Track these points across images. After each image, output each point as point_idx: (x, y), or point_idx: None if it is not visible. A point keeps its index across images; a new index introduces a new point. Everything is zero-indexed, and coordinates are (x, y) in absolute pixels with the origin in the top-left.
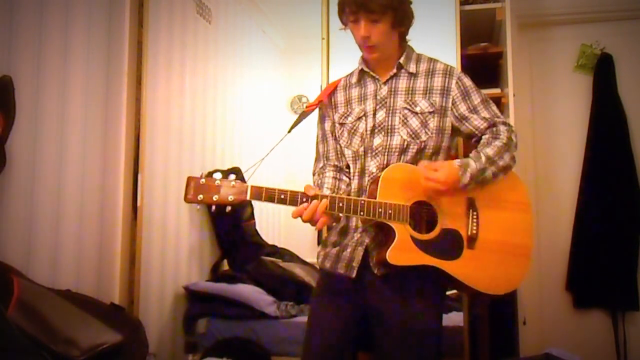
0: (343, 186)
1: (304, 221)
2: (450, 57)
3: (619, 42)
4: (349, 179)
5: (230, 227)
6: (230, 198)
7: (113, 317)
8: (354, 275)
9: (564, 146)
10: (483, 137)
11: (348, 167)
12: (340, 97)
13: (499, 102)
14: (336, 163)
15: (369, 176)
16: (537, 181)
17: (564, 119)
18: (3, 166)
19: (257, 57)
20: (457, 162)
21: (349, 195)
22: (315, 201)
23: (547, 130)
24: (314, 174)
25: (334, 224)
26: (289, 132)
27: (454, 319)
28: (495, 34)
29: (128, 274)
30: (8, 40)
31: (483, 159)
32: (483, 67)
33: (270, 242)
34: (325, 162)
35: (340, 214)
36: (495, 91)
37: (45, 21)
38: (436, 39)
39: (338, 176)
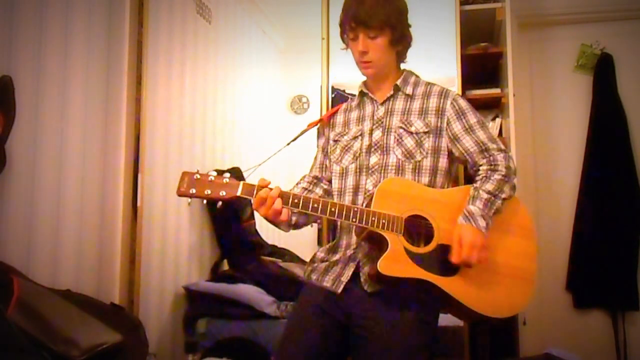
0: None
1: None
2: (450, 57)
3: (619, 42)
4: (324, 192)
5: (230, 227)
6: (222, 193)
7: (113, 317)
8: (339, 290)
9: (564, 146)
10: (480, 168)
11: (330, 182)
12: (339, 118)
13: (499, 102)
14: (316, 174)
15: (364, 193)
16: (537, 181)
17: (564, 119)
18: (3, 166)
19: (257, 57)
20: (460, 219)
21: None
22: (265, 189)
23: (547, 130)
24: None
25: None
26: (288, 145)
27: (454, 319)
28: (495, 34)
29: (128, 274)
30: (8, 40)
31: (484, 195)
32: (483, 67)
33: (270, 242)
34: (308, 174)
35: (328, 216)
36: (495, 91)
37: (45, 21)
38: (436, 39)
39: (310, 188)
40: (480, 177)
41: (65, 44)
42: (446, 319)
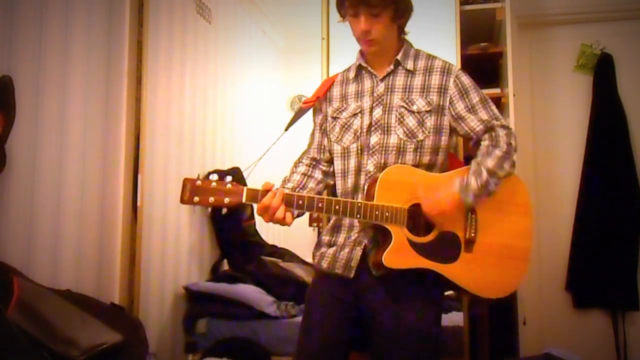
0: (311, 184)
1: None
2: (450, 57)
3: (619, 42)
4: (324, 174)
5: (230, 227)
6: (226, 200)
7: (113, 317)
8: (352, 275)
9: (564, 146)
10: (482, 143)
11: (329, 162)
12: (336, 92)
13: (499, 102)
14: (315, 156)
15: (365, 175)
16: (537, 181)
17: (564, 119)
18: (3, 166)
19: (257, 57)
20: (457, 185)
21: (319, 193)
22: (268, 196)
23: (547, 130)
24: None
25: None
26: (286, 129)
27: (454, 319)
28: (495, 34)
29: (128, 274)
30: (8, 40)
31: (484, 174)
32: (483, 67)
33: (270, 242)
34: (306, 154)
35: (332, 215)
36: (495, 91)
37: (45, 21)
38: (436, 39)
39: (309, 172)
40: (482, 151)
41: (65, 44)
42: (446, 319)
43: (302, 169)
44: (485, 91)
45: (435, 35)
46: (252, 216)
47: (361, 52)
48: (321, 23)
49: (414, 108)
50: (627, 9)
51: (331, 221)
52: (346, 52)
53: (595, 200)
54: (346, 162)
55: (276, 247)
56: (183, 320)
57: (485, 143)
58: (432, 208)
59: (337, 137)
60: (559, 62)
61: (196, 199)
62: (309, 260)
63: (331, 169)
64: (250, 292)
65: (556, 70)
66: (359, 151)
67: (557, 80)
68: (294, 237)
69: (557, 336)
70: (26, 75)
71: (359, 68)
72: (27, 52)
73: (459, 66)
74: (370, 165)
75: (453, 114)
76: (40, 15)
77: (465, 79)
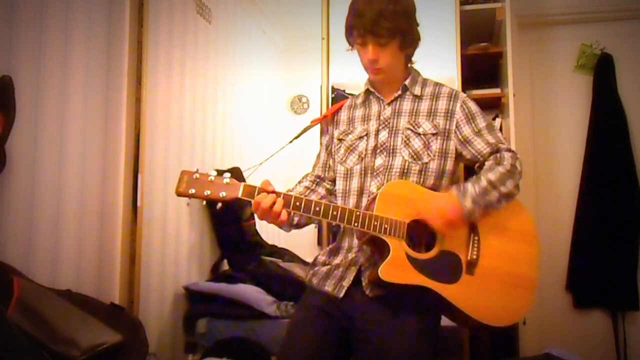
0: (313, 197)
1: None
2: (450, 57)
3: (619, 42)
4: (327, 192)
5: (230, 227)
6: (222, 194)
7: (113, 317)
8: (341, 295)
9: (564, 146)
10: (485, 163)
11: (333, 182)
12: (343, 115)
13: (499, 102)
14: (319, 174)
15: (369, 196)
16: (537, 181)
17: (564, 119)
18: (3, 166)
19: (257, 57)
20: (454, 190)
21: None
22: (262, 194)
23: (547, 130)
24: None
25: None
26: (291, 142)
27: None
28: (495, 34)
29: (128, 274)
30: (8, 40)
31: (484, 182)
32: (483, 67)
33: (270, 242)
34: (311, 173)
35: (329, 220)
36: (495, 91)
37: (45, 21)
38: (436, 39)
39: (313, 187)
40: (484, 167)
41: (65, 44)
42: (446, 319)
43: (306, 183)
44: (485, 91)
45: (435, 35)
46: (252, 216)
47: (369, 79)
48: (321, 23)
49: (420, 130)
50: (627, 9)
51: (331, 245)
52: (346, 52)
53: (595, 200)
54: (348, 182)
55: (276, 247)
56: (183, 320)
57: (489, 162)
58: (436, 217)
59: (342, 159)
60: (559, 62)
61: (192, 190)
62: (309, 260)
63: (334, 188)
64: (250, 292)
65: (556, 70)
66: (362, 173)
67: (557, 80)
68: (294, 237)
69: (557, 336)
70: (26, 75)
71: (367, 93)
72: (27, 52)
73: (459, 66)
74: (373, 186)
75: (460, 137)
76: (40, 15)
77: (472, 105)
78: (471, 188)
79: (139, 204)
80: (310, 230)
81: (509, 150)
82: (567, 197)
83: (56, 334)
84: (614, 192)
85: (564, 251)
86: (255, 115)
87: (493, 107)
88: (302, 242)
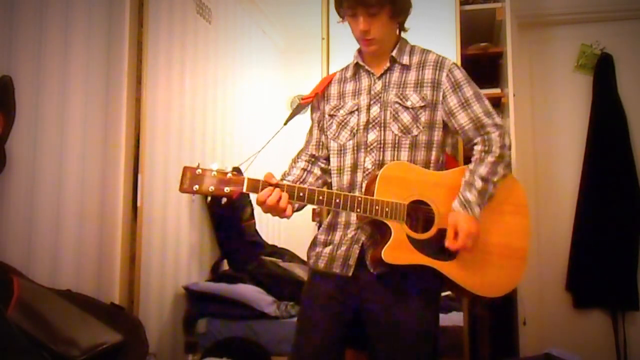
0: (310, 179)
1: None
2: (450, 57)
3: (619, 42)
4: (322, 171)
5: (230, 227)
6: (227, 190)
7: (113, 317)
8: (350, 273)
9: (564, 146)
10: (475, 148)
11: (327, 159)
12: (333, 90)
13: (499, 102)
14: (314, 152)
15: (363, 172)
16: (537, 181)
17: (564, 119)
18: (3, 166)
19: (257, 57)
20: (456, 205)
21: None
22: (277, 189)
23: (547, 130)
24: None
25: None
26: (285, 124)
27: (454, 319)
28: (495, 34)
29: (128, 274)
30: (8, 40)
31: (478, 183)
32: (483, 67)
33: (270, 242)
34: (305, 151)
35: (325, 207)
36: (495, 91)
37: (45, 21)
38: (436, 39)
39: (309, 168)
40: (475, 158)
41: (65, 44)
42: (446, 319)
43: (301, 164)
44: (485, 91)
45: (435, 35)
46: (252, 216)
47: (359, 51)
48: (321, 23)
49: (408, 104)
50: (627, 9)
51: (327, 219)
52: (346, 52)
53: (595, 200)
54: (342, 159)
55: (276, 247)
56: (183, 320)
57: (478, 148)
58: (467, 242)
59: (334, 135)
60: (559, 62)
61: (196, 187)
62: None
63: (329, 167)
64: (250, 292)
65: (556, 70)
66: (355, 148)
67: (557, 80)
68: (294, 237)
69: (557, 336)
70: (26, 75)
71: (357, 67)
72: (27, 52)
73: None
74: (367, 162)
75: (445, 109)
76: (40, 15)
77: (458, 73)
78: (469, 196)
79: (139, 204)
80: (310, 230)
81: (495, 125)
82: (567, 197)
83: (56, 334)
84: (614, 192)
85: (564, 251)
86: (255, 115)
87: (493, 107)
88: (302, 242)
